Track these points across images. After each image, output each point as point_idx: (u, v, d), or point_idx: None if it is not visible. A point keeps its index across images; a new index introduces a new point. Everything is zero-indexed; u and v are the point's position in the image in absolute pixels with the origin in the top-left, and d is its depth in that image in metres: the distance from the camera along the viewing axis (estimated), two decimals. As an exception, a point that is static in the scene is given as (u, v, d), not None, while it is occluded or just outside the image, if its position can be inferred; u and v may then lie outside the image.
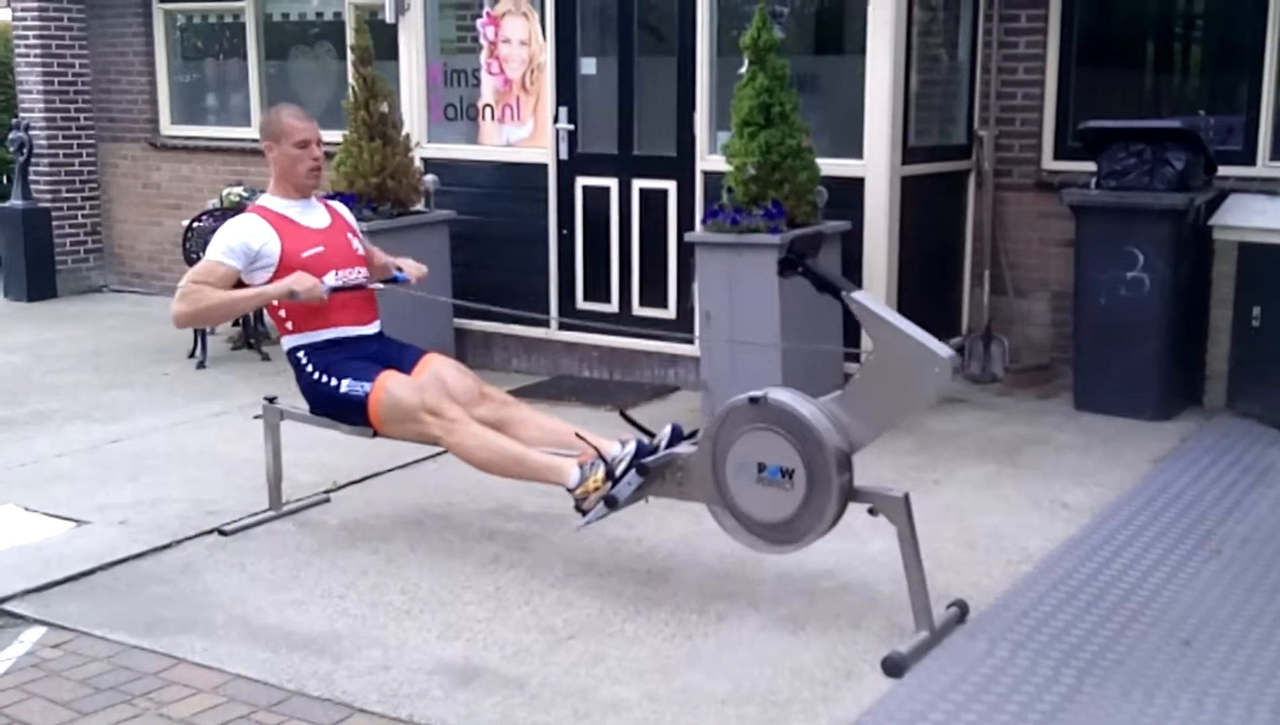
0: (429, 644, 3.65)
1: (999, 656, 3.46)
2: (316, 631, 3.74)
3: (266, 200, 4.48)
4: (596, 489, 3.83)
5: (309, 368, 4.36)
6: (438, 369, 4.38)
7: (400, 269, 4.65)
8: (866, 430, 3.58)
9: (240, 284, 4.32)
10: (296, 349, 4.39)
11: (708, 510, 3.76)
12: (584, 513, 3.87)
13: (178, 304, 4.25)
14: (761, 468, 3.58)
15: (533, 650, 3.60)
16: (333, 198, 5.34)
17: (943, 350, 3.47)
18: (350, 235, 4.57)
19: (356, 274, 4.45)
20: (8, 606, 3.94)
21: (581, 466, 3.91)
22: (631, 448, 3.85)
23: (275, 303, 4.35)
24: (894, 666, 3.39)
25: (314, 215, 4.49)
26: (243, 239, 4.29)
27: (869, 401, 3.56)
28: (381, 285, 4.55)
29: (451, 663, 3.53)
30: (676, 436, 3.89)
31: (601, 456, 3.89)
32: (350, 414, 4.30)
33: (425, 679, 3.43)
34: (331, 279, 4.32)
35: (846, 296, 3.61)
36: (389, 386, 4.19)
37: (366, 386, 4.22)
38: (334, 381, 4.29)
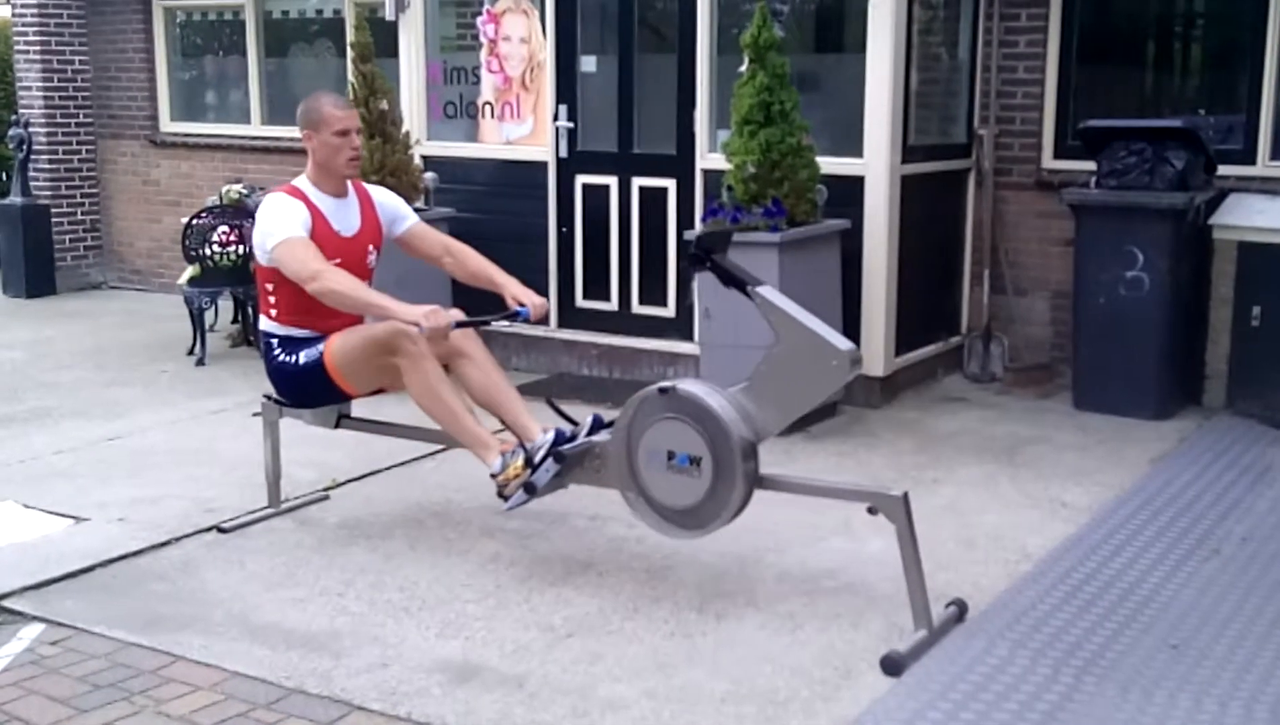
0: (428, 642, 3.65)
1: (998, 655, 3.46)
2: (315, 629, 3.74)
3: (304, 186, 4.35)
4: (517, 476, 3.98)
5: (275, 351, 4.37)
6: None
7: (523, 304, 4.32)
8: (772, 420, 3.71)
9: None
10: (271, 335, 4.40)
11: (621, 496, 3.88)
12: (505, 498, 4.02)
13: (325, 283, 4.05)
14: (671, 455, 3.71)
15: (532, 648, 3.60)
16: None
17: (842, 343, 3.62)
18: (370, 248, 4.46)
19: None
20: (6, 603, 3.94)
21: (504, 454, 4.05)
22: (550, 436, 3.99)
23: (269, 284, 4.31)
24: (893, 665, 3.39)
25: (346, 217, 4.38)
26: (300, 214, 4.20)
27: (774, 392, 3.69)
28: (504, 319, 4.34)
29: (450, 660, 3.53)
30: (597, 425, 4.03)
31: (522, 444, 4.03)
32: (312, 384, 4.29)
33: (424, 677, 3.43)
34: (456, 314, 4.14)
35: (752, 291, 3.73)
36: (338, 336, 4.22)
37: (320, 347, 4.25)
38: (293, 358, 4.32)
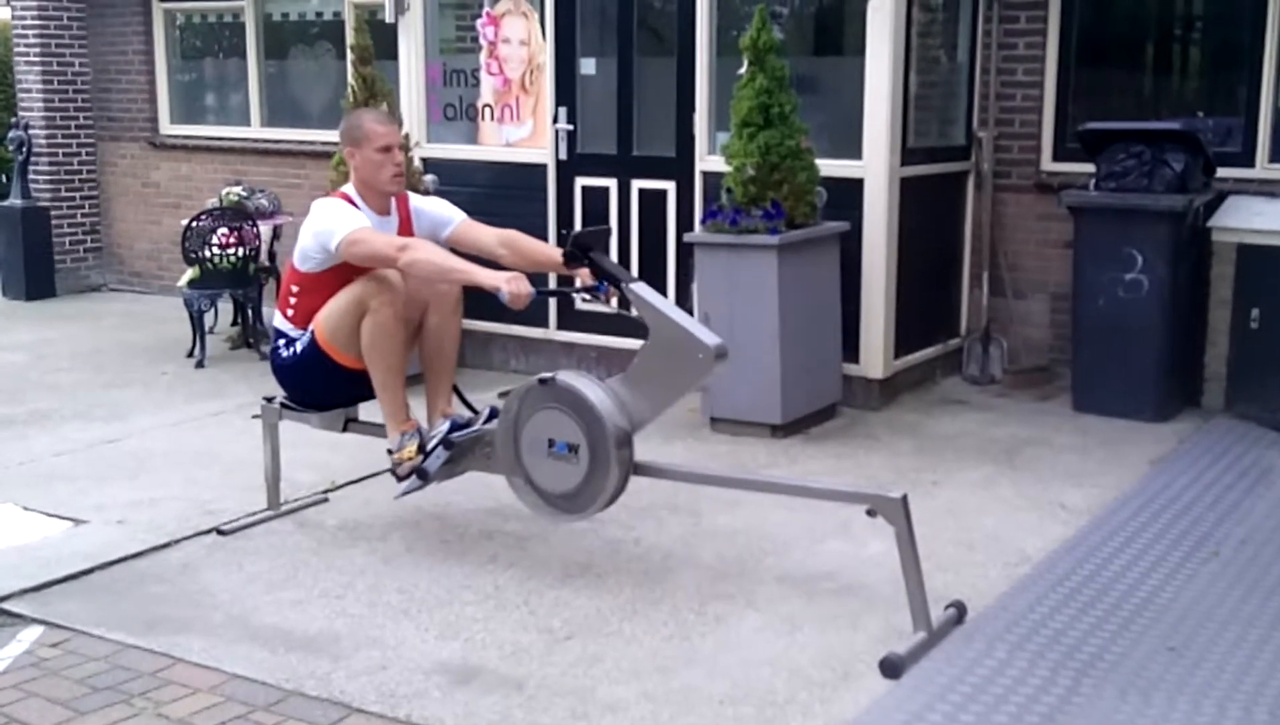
0: (427, 644, 3.65)
1: (997, 657, 3.47)
2: (314, 631, 3.74)
3: (353, 195, 4.34)
4: (410, 459, 4.18)
5: (281, 348, 4.39)
6: None
7: (600, 280, 4.13)
8: (647, 410, 3.89)
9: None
10: (282, 332, 4.40)
11: (508, 482, 4.06)
12: (399, 478, 4.23)
13: (414, 254, 4.02)
14: (551, 443, 3.91)
15: (531, 650, 3.60)
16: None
17: (710, 338, 3.78)
18: None
19: None
20: (6, 605, 3.94)
21: (403, 434, 4.22)
22: (445, 426, 4.19)
23: (295, 288, 4.31)
24: (891, 667, 3.39)
25: (388, 231, 4.34)
26: (355, 212, 4.20)
27: (647, 384, 3.88)
28: (585, 292, 4.18)
29: (449, 663, 3.53)
30: (493, 415, 4.17)
31: (420, 430, 4.22)
32: (311, 369, 4.29)
33: (423, 679, 3.43)
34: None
35: (625, 287, 3.90)
36: (323, 308, 4.22)
37: (311, 328, 4.27)
38: (292, 349, 4.33)
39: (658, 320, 3.85)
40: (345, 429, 4.59)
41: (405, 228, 4.42)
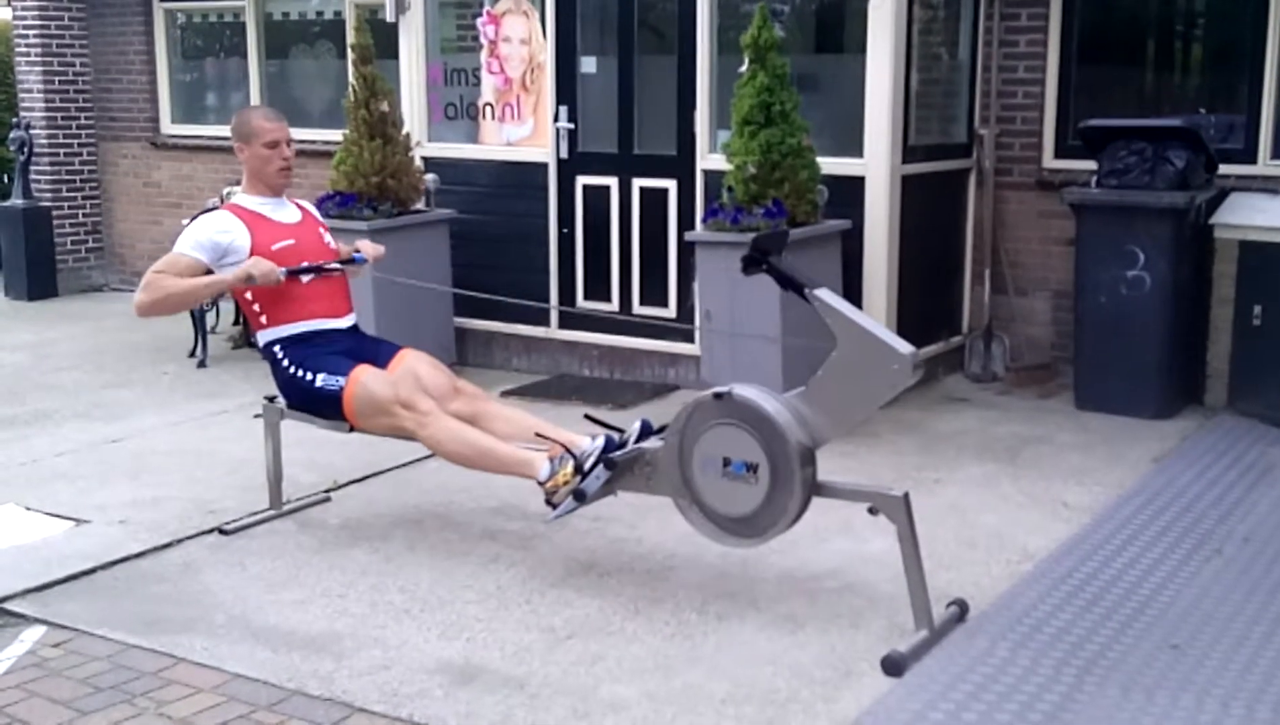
0: (429, 643, 3.65)
1: (999, 655, 3.46)
2: (316, 631, 3.74)
3: (239, 198, 4.61)
4: (566, 483, 3.90)
5: (284, 362, 4.40)
6: (411, 364, 4.41)
7: (358, 250, 4.64)
8: (830, 425, 3.62)
9: None
10: (272, 343, 4.43)
11: (674, 504, 3.80)
12: (554, 506, 3.94)
13: (140, 294, 4.33)
14: (727, 462, 3.62)
15: (533, 649, 3.60)
16: (327, 200, 5.41)
17: (903, 347, 3.49)
18: (321, 230, 4.67)
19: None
20: (8, 605, 3.95)
21: (551, 461, 3.99)
22: (600, 443, 3.91)
23: (249, 297, 4.42)
24: (894, 665, 3.39)
25: (285, 212, 4.59)
26: (210, 234, 4.38)
27: (832, 397, 3.59)
28: (339, 266, 4.56)
29: (451, 662, 3.53)
30: (645, 431, 3.97)
31: (570, 451, 3.94)
32: (325, 408, 4.34)
33: (425, 678, 3.43)
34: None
35: (810, 294, 3.63)
36: (363, 380, 4.24)
37: (341, 381, 4.27)
38: (309, 376, 4.34)
39: (847, 328, 3.55)
40: (353, 430, 4.48)
41: (307, 215, 4.65)
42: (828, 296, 3.61)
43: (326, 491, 4.97)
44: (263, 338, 4.46)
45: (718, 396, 3.62)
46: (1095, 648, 3.51)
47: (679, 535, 4.45)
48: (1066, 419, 5.93)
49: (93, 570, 4.21)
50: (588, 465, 3.87)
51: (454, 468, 4.99)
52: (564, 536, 4.45)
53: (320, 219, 4.79)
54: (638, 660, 3.52)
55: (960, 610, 3.71)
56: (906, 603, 3.56)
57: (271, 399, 4.68)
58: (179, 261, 4.36)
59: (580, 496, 3.87)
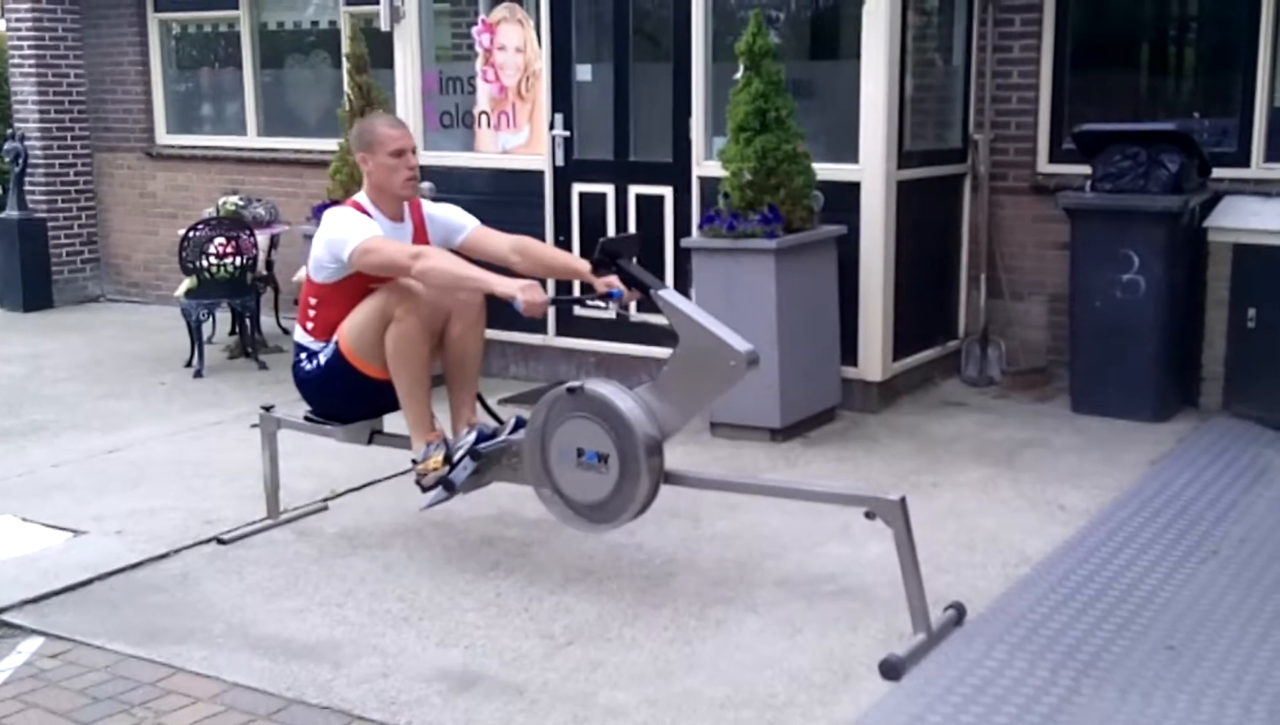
0: (428, 651, 3.65)
1: (997, 659, 3.47)
2: (315, 639, 3.74)
3: (365, 203, 4.29)
4: (435, 469, 4.12)
5: (304, 362, 4.36)
6: None
7: (612, 286, 4.08)
8: (676, 417, 3.85)
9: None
10: (303, 347, 4.37)
11: (536, 493, 4.00)
12: (424, 489, 4.16)
13: (427, 262, 3.95)
14: (580, 453, 3.85)
15: (531, 656, 3.60)
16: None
17: (740, 344, 3.71)
18: None
19: None
20: (5, 617, 3.94)
21: (429, 444, 4.16)
22: (471, 436, 4.13)
23: (314, 300, 4.28)
24: (891, 669, 3.39)
25: (402, 238, 4.28)
26: (368, 222, 4.14)
27: (677, 391, 3.83)
28: (599, 301, 4.23)
29: (450, 670, 3.53)
30: (519, 426, 4.13)
31: (445, 440, 4.16)
32: (336, 380, 4.25)
33: (424, 686, 3.43)
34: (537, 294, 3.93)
35: (654, 294, 3.86)
36: (347, 318, 4.18)
37: (335, 339, 4.22)
38: (315, 362, 4.30)
39: (689, 327, 3.79)
40: (371, 442, 4.53)
41: (419, 234, 4.38)
42: (671, 296, 3.86)
43: (324, 500, 4.97)
44: (299, 336, 4.36)
45: (571, 390, 3.85)
46: (1092, 649, 3.52)
47: (677, 541, 4.46)
48: (1063, 422, 5.94)
49: (90, 581, 4.21)
50: (456, 457, 4.11)
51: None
52: (562, 543, 4.45)
53: (443, 240, 4.42)
54: (636, 666, 3.53)
55: (958, 613, 3.71)
56: (904, 606, 3.56)
57: (268, 408, 4.68)
58: (391, 240, 4.09)
59: (449, 487, 4.11)
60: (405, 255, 4.02)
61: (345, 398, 4.36)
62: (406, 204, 4.36)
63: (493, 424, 4.23)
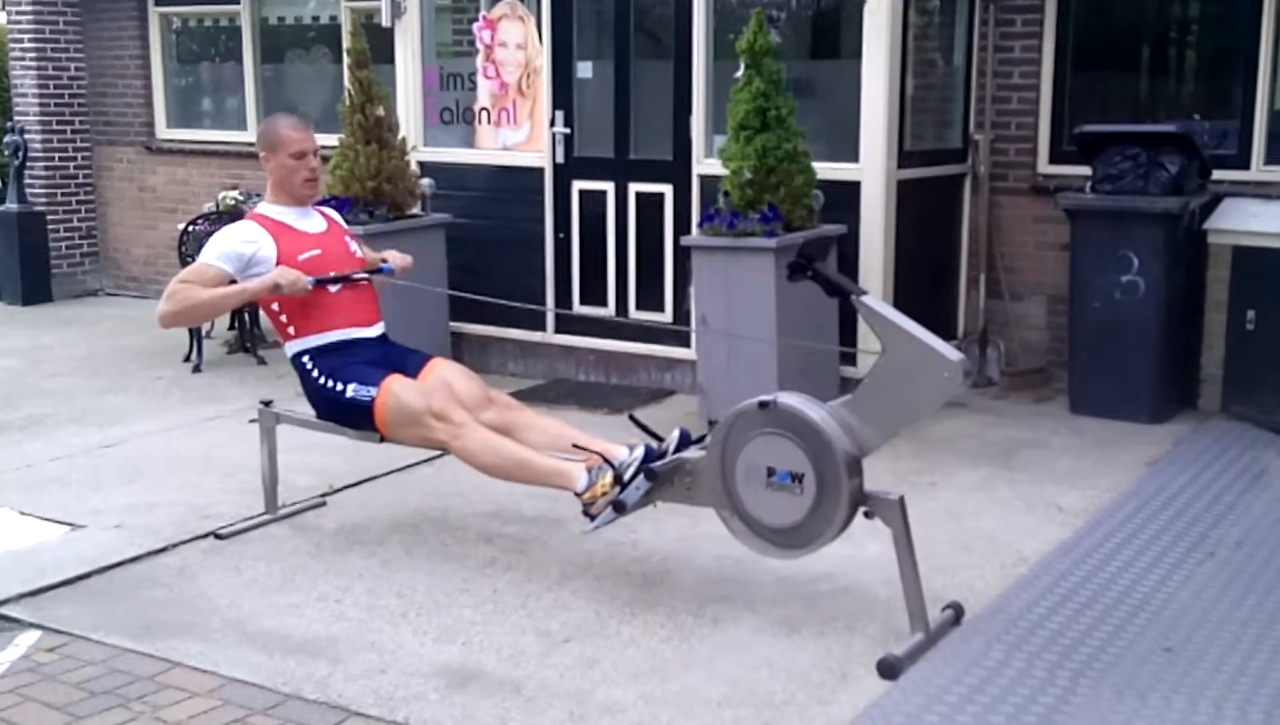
0: (425, 647, 3.65)
1: (994, 659, 3.47)
2: (312, 635, 3.74)
3: (264, 207, 4.52)
4: (604, 493, 3.78)
5: (314, 372, 4.34)
6: (444, 373, 4.35)
7: (385, 260, 4.60)
8: (876, 434, 3.55)
9: None
10: (301, 354, 4.38)
11: (717, 515, 3.74)
12: (591, 517, 3.82)
13: (164, 304, 4.27)
14: (771, 472, 3.56)
15: (529, 653, 3.60)
16: (324, 203, 5.37)
17: (953, 354, 3.44)
18: (348, 238, 4.61)
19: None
20: (3, 610, 3.94)
21: (589, 471, 3.86)
22: (640, 453, 3.81)
23: (275, 307, 4.36)
24: (889, 669, 3.39)
25: (311, 221, 4.52)
26: (235, 244, 4.32)
27: (879, 405, 3.53)
28: (367, 275, 4.51)
29: (448, 666, 3.53)
30: (684, 441, 3.88)
31: (609, 461, 3.84)
32: (357, 419, 4.27)
33: (421, 682, 3.43)
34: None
35: (856, 300, 3.58)
36: (395, 390, 4.16)
37: (372, 391, 4.19)
38: (339, 386, 4.27)
39: (895, 335, 3.48)
40: (383, 440, 4.37)
41: (334, 228, 4.59)
42: (875, 303, 3.58)
43: (322, 496, 4.97)
44: (291, 348, 4.41)
45: (762, 405, 3.57)
46: (1090, 650, 3.52)
47: (675, 539, 4.46)
48: (1061, 423, 5.95)
49: (87, 575, 4.20)
50: (627, 476, 3.77)
51: (450, 472, 5.01)
52: (560, 541, 4.45)
53: (346, 227, 4.71)
54: (634, 663, 3.53)
55: (955, 613, 3.71)
56: (902, 606, 3.56)
57: (266, 403, 4.68)
58: (205, 271, 4.29)
59: (620, 507, 3.76)
60: (165, 292, 4.29)
61: (359, 427, 4.34)
62: (314, 209, 4.58)
63: (655, 442, 3.89)
